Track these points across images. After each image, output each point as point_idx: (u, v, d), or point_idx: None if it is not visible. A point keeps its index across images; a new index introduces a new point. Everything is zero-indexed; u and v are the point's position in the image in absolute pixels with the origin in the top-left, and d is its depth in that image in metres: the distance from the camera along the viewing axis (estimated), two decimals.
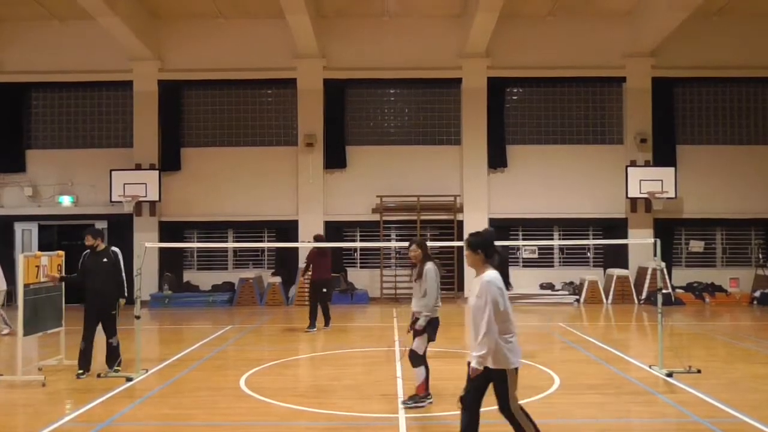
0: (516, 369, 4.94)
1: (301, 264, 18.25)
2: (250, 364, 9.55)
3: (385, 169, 19.41)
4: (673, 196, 18.44)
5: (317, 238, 14.42)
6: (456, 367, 9.72)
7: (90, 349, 8.88)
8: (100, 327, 8.94)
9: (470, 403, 5.02)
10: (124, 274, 9.13)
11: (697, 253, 19.81)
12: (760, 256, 19.46)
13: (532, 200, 19.31)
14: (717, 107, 19.86)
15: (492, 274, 4.92)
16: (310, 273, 13.50)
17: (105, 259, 9.00)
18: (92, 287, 8.90)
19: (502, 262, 12.22)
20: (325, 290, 13.45)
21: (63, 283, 9.47)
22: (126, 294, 9.09)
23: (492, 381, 4.94)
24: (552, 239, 19.10)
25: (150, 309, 17.40)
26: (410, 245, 7.62)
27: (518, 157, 19.47)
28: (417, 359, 7.23)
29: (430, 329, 7.27)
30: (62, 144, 19.90)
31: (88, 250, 9.09)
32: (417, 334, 7.29)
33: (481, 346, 4.79)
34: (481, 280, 4.93)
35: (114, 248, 9.21)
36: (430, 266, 7.37)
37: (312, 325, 13.19)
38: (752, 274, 19.19)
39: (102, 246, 9.09)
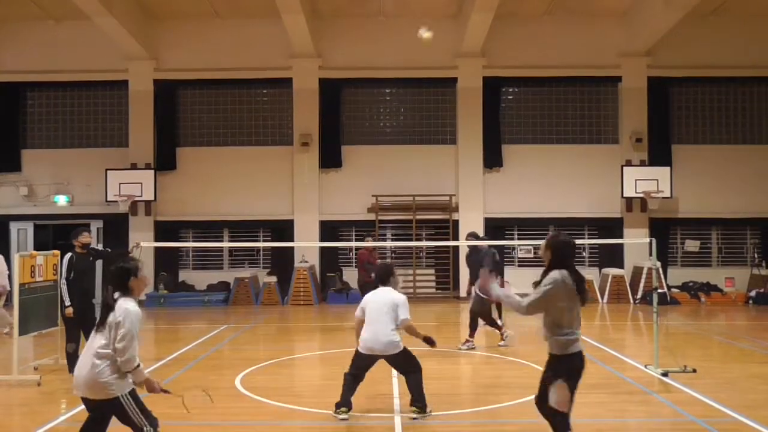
0: None
1: (297, 264, 18.30)
2: (245, 364, 9.53)
3: (381, 168, 19.39)
4: (669, 195, 18.46)
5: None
6: (450, 366, 9.75)
7: (78, 350, 8.84)
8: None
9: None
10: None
11: (693, 252, 19.82)
12: (756, 255, 19.46)
13: (527, 200, 19.29)
14: (713, 107, 19.87)
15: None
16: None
17: (90, 258, 9.03)
18: (87, 288, 8.89)
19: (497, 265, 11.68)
20: None
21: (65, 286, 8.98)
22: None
23: None
24: None
25: (145, 309, 17.35)
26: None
27: (514, 157, 19.47)
28: (560, 423, 4.98)
29: (568, 375, 4.97)
30: (58, 143, 19.83)
31: (77, 251, 8.94)
32: (548, 380, 5.06)
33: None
34: None
35: (93, 247, 9.26)
36: (554, 275, 5.07)
37: None
38: (748, 274, 19.18)
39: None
